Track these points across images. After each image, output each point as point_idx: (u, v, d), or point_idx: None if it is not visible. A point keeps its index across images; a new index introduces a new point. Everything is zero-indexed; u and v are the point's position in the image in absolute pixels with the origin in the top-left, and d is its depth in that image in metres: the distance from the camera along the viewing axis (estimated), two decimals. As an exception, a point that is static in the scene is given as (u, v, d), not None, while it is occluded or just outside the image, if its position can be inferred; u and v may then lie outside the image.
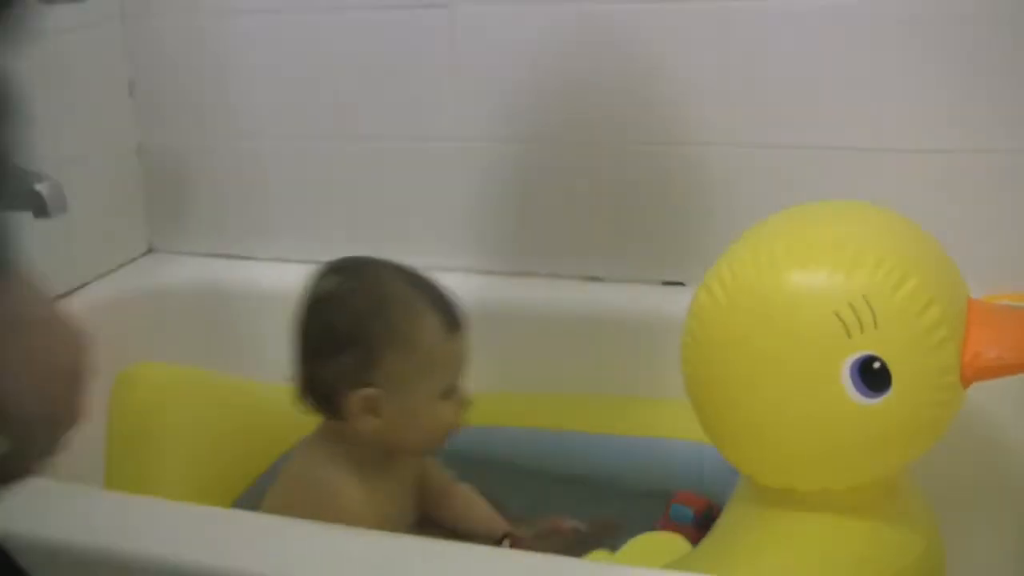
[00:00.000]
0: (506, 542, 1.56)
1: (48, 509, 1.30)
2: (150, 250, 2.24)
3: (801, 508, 1.30)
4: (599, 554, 1.45)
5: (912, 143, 1.73)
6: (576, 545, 1.52)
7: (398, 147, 2.00)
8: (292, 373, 1.48)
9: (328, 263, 1.50)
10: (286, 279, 1.84)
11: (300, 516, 1.39)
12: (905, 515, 1.34)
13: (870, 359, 1.20)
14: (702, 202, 1.84)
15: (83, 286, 2.06)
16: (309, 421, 1.65)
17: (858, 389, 1.21)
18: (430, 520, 1.59)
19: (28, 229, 0.88)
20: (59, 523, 1.29)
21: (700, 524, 1.49)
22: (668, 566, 1.31)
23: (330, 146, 2.06)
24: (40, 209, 1.65)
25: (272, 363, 1.68)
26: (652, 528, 1.54)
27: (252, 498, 1.59)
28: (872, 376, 1.21)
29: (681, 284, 1.85)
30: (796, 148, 1.78)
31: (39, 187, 1.64)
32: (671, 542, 1.44)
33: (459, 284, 1.86)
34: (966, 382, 1.24)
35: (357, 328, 1.42)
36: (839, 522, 1.30)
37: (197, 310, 2.10)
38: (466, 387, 1.47)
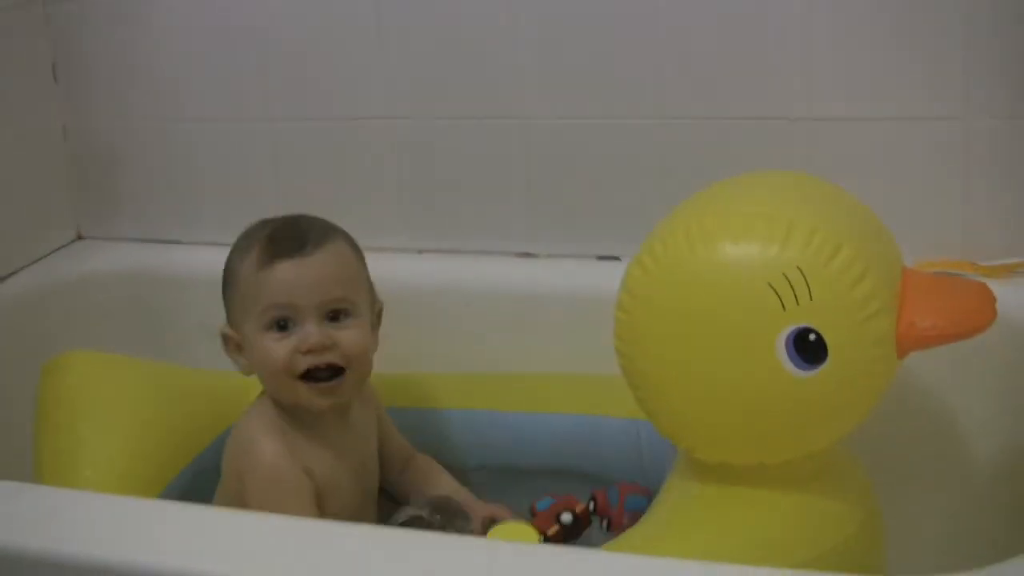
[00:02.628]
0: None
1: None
2: (79, 237, 2.20)
3: (737, 483, 1.30)
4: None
5: (843, 112, 1.72)
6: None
7: (325, 127, 1.99)
8: None
9: None
10: (217, 264, 1.81)
11: (235, 477, 1.44)
12: (842, 488, 1.34)
13: (806, 331, 1.20)
14: (636, 176, 1.83)
15: (11, 275, 2.03)
16: (239, 406, 1.64)
17: (793, 362, 1.20)
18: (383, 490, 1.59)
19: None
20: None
21: None
22: (607, 546, 1.30)
23: (257, 128, 2.03)
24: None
25: (203, 349, 1.65)
26: (603, 516, 1.54)
27: (183, 485, 1.58)
28: (808, 348, 1.20)
29: (616, 259, 1.84)
30: (727, 119, 1.77)
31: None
32: (526, 533, 1.41)
33: (391, 264, 1.86)
34: (902, 352, 1.24)
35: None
36: (775, 498, 1.29)
37: (127, 297, 2.07)
38: (307, 330, 1.42)
